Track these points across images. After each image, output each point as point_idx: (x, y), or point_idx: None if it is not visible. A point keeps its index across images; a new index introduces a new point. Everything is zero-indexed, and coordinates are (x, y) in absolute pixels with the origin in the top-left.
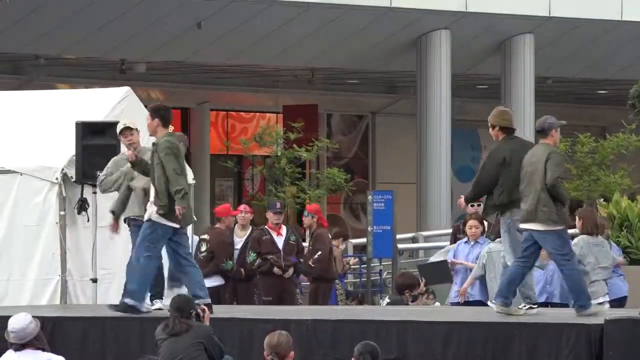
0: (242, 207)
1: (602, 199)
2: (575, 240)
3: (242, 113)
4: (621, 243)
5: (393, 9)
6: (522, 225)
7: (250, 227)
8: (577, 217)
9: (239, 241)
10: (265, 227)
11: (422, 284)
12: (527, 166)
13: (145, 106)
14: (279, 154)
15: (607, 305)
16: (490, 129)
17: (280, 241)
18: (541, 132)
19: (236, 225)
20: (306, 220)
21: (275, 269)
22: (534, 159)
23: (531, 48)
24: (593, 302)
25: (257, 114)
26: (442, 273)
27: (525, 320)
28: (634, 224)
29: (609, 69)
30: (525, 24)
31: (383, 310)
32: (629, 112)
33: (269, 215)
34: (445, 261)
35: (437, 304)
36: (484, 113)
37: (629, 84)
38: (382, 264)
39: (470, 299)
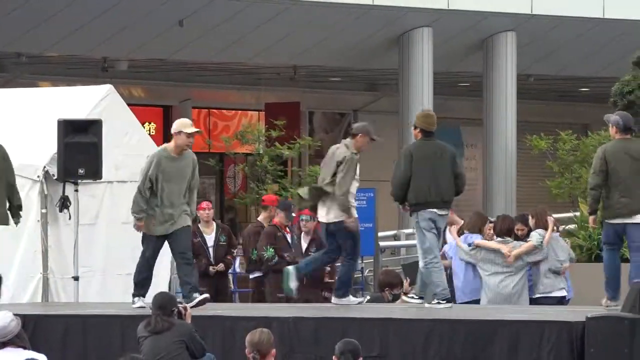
0: (205, 204)
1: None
2: (540, 232)
3: (224, 111)
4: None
5: (375, 6)
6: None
7: (215, 223)
8: (530, 216)
9: (209, 238)
10: (273, 224)
11: (406, 283)
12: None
13: (127, 104)
14: (261, 152)
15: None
16: (414, 128)
17: (289, 239)
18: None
19: (201, 223)
20: (309, 224)
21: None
22: None
23: (513, 45)
24: (548, 295)
25: (239, 111)
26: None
27: (507, 317)
28: None
29: (591, 67)
30: (508, 21)
31: (365, 308)
32: (611, 110)
33: (281, 216)
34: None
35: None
36: (466, 111)
37: (611, 81)
38: (364, 261)
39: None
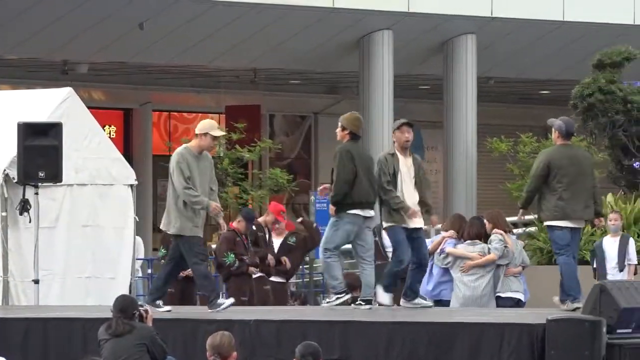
0: None
1: None
2: (498, 237)
3: (184, 113)
4: None
5: (336, 9)
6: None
7: None
8: (486, 220)
9: None
10: (232, 229)
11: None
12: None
13: (88, 107)
14: (221, 155)
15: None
16: (340, 130)
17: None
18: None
19: None
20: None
21: (251, 269)
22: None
23: (473, 48)
24: (509, 295)
25: (200, 114)
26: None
27: (468, 320)
28: None
29: (551, 70)
30: (468, 24)
31: (326, 310)
32: (571, 113)
33: (242, 224)
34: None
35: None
36: (427, 113)
37: (571, 84)
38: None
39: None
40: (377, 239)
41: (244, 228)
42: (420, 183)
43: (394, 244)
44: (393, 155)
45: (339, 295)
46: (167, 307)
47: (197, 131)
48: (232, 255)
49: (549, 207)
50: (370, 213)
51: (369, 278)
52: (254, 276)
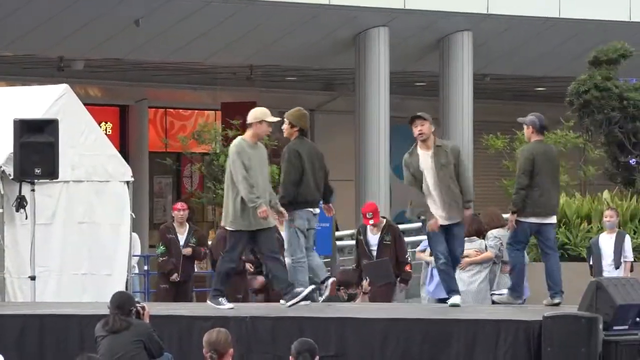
0: (180, 204)
1: None
2: (495, 232)
3: (180, 110)
4: (559, 240)
5: (332, 6)
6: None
7: (188, 225)
8: (481, 218)
9: (181, 238)
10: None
11: (366, 283)
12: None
13: (84, 104)
14: (217, 151)
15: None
16: (289, 127)
17: None
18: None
19: (174, 223)
20: None
21: (248, 266)
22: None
23: (469, 45)
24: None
25: (196, 111)
26: (385, 272)
27: (464, 316)
28: (572, 220)
29: (547, 67)
30: (464, 21)
31: (322, 307)
32: (567, 109)
33: None
34: (387, 260)
35: None
36: (422, 110)
37: (567, 81)
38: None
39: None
40: (361, 237)
41: None
42: (445, 173)
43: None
44: (411, 154)
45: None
46: (230, 305)
47: (250, 120)
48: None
49: (530, 203)
50: (316, 211)
51: (316, 261)
52: (249, 275)
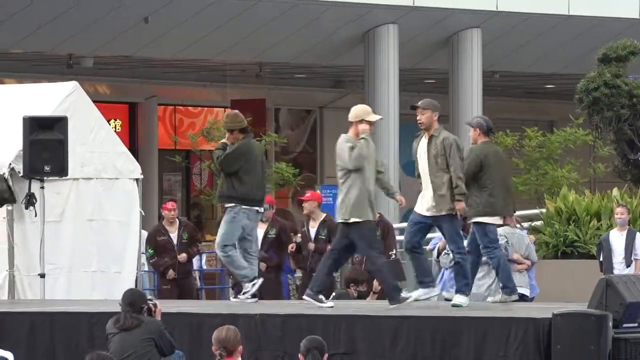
0: (170, 204)
1: None
2: (501, 230)
3: (190, 107)
4: (569, 237)
5: (341, 3)
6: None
7: (178, 221)
8: None
9: (173, 236)
10: None
11: (377, 283)
12: None
13: (93, 101)
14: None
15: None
16: (230, 135)
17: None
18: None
19: (165, 221)
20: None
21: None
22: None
23: (478, 42)
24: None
25: (205, 108)
26: (398, 272)
27: (474, 314)
28: (581, 218)
29: (556, 64)
30: (473, 18)
31: (332, 304)
32: (577, 107)
33: None
34: (399, 260)
35: None
36: None
37: (576, 78)
38: None
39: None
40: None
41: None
42: (434, 164)
43: None
44: (416, 137)
45: (253, 282)
46: (330, 303)
47: (351, 118)
48: None
49: (479, 203)
50: (262, 209)
51: (234, 264)
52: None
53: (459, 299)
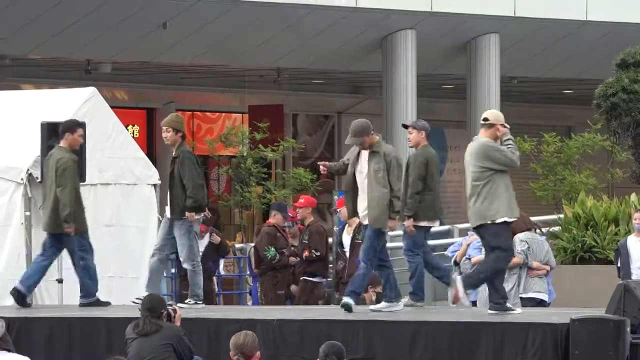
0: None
1: None
2: (522, 236)
3: (207, 113)
4: (587, 242)
5: (358, 9)
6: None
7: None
8: None
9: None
10: (275, 225)
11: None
12: None
13: (111, 107)
14: (244, 154)
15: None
16: (173, 133)
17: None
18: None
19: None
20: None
21: (292, 259)
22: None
23: (497, 48)
24: (530, 295)
25: (223, 114)
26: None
27: (492, 319)
28: (599, 223)
29: (574, 69)
30: (491, 23)
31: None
32: (595, 112)
33: (278, 217)
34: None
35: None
36: (450, 113)
37: (594, 83)
38: None
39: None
40: (338, 238)
41: (280, 221)
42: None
43: None
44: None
45: (197, 302)
46: (520, 310)
47: (494, 122)
48: (273, 249)
49: (425, 207)
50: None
51: (198, 278)
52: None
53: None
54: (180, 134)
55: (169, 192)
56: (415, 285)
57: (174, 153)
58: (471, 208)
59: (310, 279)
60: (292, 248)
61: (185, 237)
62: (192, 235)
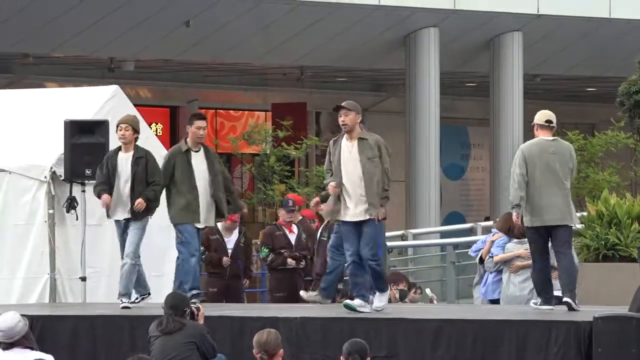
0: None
1: None
2: None
3: (231, 111)
4: (610, 240)
5: (382, 6)
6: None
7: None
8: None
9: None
10: (276, 223)
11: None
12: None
13: (134, 105)
14: (267, 152)
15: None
16: (132, 132)
17: (292, 238)
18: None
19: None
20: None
21: (289, 260)
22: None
23: (520, 45)
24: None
25: (246, 112)
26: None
27: (515, 317)
28: (622, 221)
29: (597, 67)
30: (514, 21)
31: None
32: (618, 110)
33: (282, 212)
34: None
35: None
36: (473, 111)
37: (618, 81)
38: None
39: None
40: (324, 238)
41: (284, 215)
42: (371, 166)
43: None
44: (335, 141)
45: (144, 296)
46: (551, 306)
47: (554, 124)
48: (266, 250)
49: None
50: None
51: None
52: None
53: (357, 302)
54: (137, 135)
55: (130, 192)
56: (329, 282)
57: (132, 153)
58: (557, 206)
59: None
60: (307, 247)
61: (139, 232)
62: (143, 232)
